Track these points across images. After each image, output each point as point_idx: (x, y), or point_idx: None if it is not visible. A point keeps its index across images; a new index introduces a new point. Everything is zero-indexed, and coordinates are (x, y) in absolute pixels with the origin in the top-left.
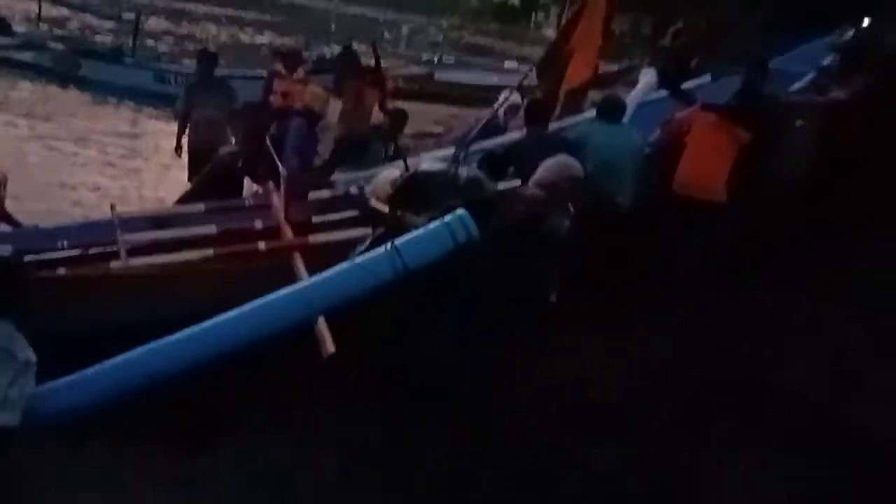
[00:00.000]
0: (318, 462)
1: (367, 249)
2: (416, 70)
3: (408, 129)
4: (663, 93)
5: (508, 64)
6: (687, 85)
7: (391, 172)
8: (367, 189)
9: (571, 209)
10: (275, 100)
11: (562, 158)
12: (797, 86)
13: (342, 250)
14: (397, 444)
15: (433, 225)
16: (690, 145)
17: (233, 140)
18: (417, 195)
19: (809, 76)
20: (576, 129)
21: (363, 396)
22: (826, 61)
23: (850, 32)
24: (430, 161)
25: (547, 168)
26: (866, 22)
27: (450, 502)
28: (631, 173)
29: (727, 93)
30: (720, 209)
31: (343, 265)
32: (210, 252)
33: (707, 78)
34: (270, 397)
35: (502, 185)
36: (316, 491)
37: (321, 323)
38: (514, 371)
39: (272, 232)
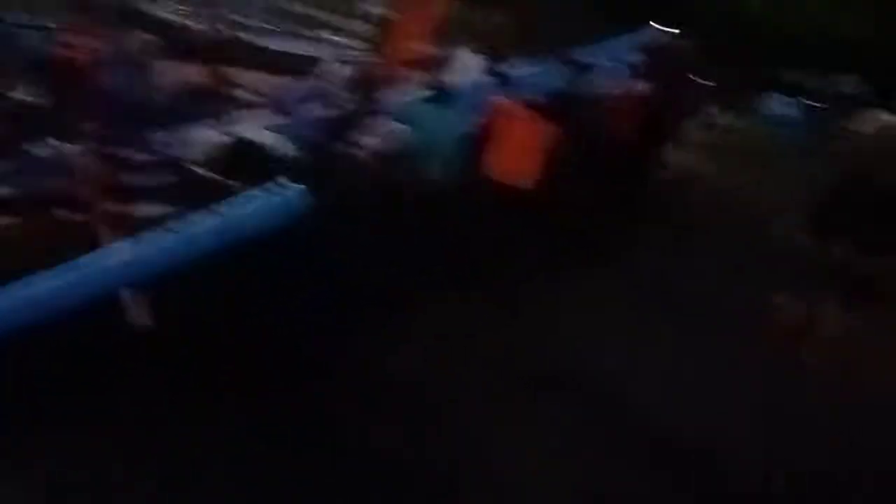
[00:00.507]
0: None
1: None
2: (226, 34)
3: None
4: (485, 79)
5: (326, 34)
6: (507, 73)
7: (210, 135)
8: (185, 152)
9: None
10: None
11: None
12: (606, 81)
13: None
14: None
15: (263, 196)
16: (502, 133)
17: None
18: (247, 163)
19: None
20: (402, 107)
21: (180, 376)
22: (633, 58)
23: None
24: (255, 129)
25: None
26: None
27: (255, 481)
28: (449, 154)
29: (543, 83)
30: (526, 195)
31: (163, 234)
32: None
33: (526, 68)
34: (78, 374)
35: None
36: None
37: (136, 295)
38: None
39: (82, 196)
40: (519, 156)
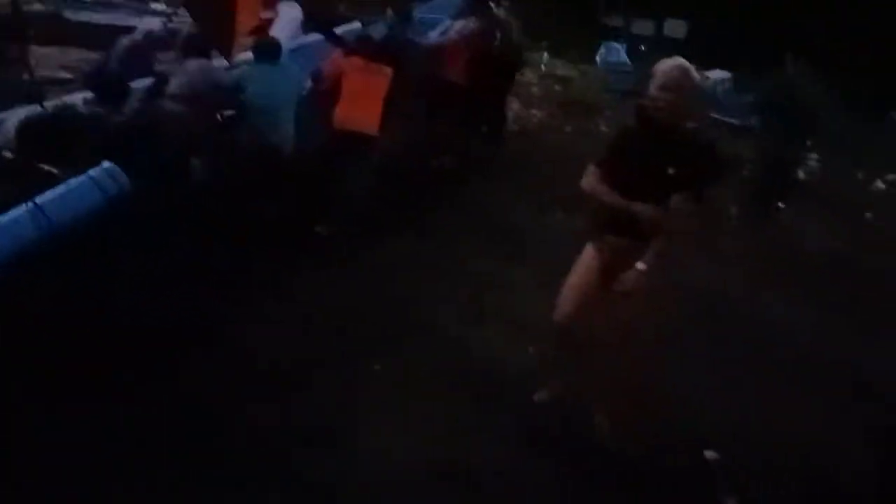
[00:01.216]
0: None
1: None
2: (39, 7)
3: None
4: (317, 36)
5: (155, 5)
6: (338, 30)
7: (22, 117)
8: None
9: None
10: None
11: (202, 63)
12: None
13: None
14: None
15: (78, 178)
16: (345, 85)
17: None
18: (53, 139)
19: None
20: (234, 73)
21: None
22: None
23: None
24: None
25: (185, 75)
26: None
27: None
28: (291, 114)
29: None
30: (374, 141)
31: None
32: None
33: (356, 24)
34: None
35: None
36: None
37: None
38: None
39: None
40: (361, 104)
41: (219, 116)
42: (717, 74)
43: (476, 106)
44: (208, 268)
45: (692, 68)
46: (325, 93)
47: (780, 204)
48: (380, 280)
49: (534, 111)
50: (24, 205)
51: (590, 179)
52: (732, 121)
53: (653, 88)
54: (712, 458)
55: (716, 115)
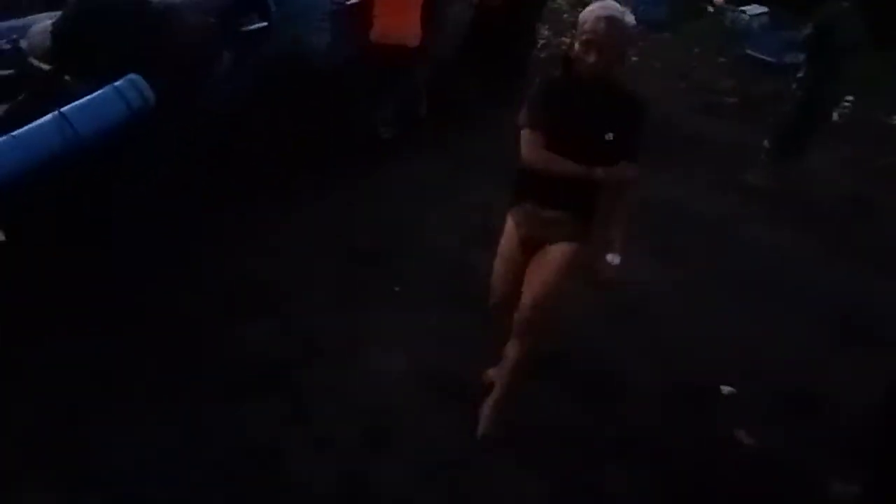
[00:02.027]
0: None
1: (19, 114)
2: None
3: None
4: None
5: None
6: None
7: (49, 23)
8: (23, 43)
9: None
10: None
11: None
12: None
13: None
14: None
15: (103, 89)
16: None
17: None
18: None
19: None
20: None
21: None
22: None
23: None
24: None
25: None
26: None
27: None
28: (323, 22)
29: None
30: (414, 54)
31: (1, 138)
32: None
33: None
34: None
35: None
36: None
37: None
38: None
39: None
40: (399, 14)
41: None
42: (752, 9)
43: (505, 29)
44: (227, 181)
45: (622, 14)
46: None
47: (807, 143)
48: (385, 200)
49: (564, 38)
50: (50, 114)
51: (535, 148)
52: (767, 58)
53: (577, 42)
54: (729, 392)
55: (750, 52)
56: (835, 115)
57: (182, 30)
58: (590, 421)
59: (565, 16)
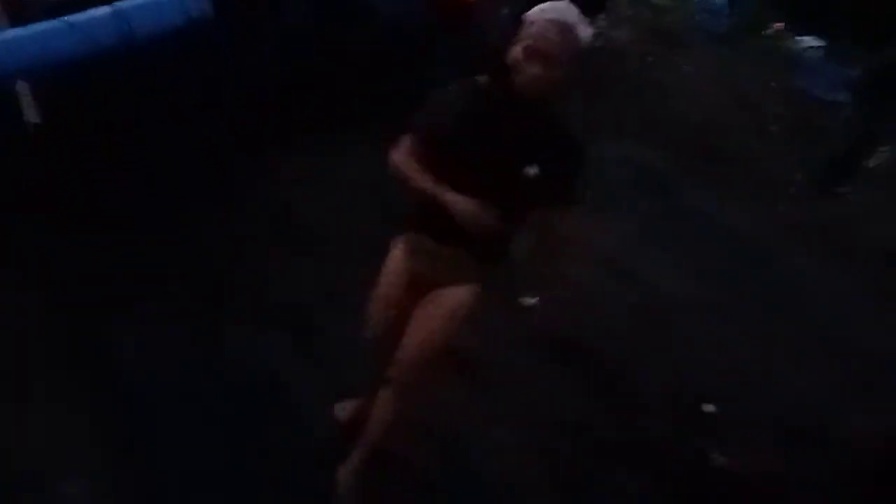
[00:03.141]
0: None
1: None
2: None
3: None
4: None
5: None
6: None
7: None
8: None
9: None
10: None
11: None
12: None
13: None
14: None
15: None
16: None
17: None
18: None
19: None
20: None
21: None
22: None
23: None
24: None
25: None
26: None
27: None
28: None
29: None
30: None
31: (53, 22)
32: None
33: None
34: None
35: None
36: None
37: (23, 87)
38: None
39: None
40: None
41: None
42: (810, 40)
43: None
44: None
45: (579, 22)
46: None
47: (847, 182)
48: None
49: (618, 32)
50: (107, 6)
51: (400, 151)
52: (819, 91)
53: (519, 46)
54: (711, 411)
55: (802, 83)
56: (878, 157)
57: None
58: (599, 421)
59: (624, 11)
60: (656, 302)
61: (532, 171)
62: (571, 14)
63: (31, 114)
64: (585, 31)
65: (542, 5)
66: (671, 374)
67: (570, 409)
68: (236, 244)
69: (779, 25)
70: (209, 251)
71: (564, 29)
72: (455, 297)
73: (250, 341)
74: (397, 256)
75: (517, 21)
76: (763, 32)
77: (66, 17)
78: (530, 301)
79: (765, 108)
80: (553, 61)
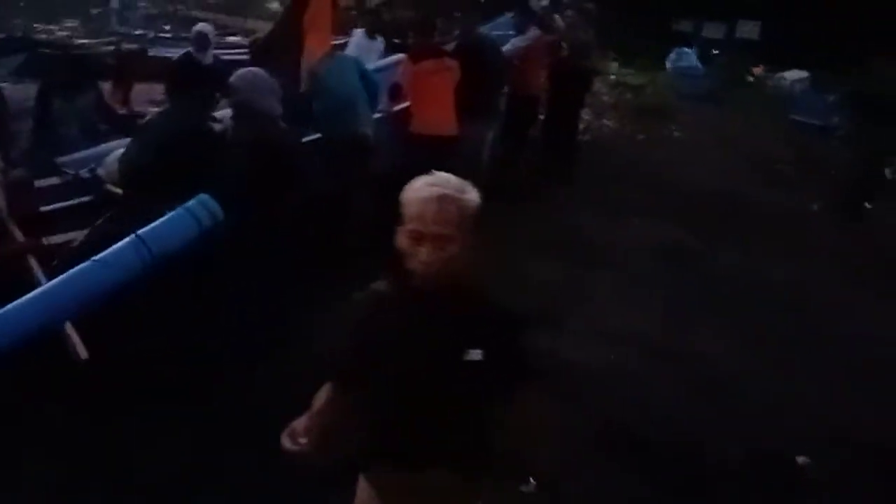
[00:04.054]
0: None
1: (97, 237)
2: (127, 47)
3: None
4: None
5: (231, 38)
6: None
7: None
8: (100, 171)
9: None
10: None
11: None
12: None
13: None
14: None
15: (175, 211)
16: (417, 89)
17: None
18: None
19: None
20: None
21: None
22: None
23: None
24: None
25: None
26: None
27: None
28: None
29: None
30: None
31: (85, 264)
32: None
33: None
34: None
35: None
36: None
37: (69, 329)
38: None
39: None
40: (434, 104)
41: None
42: (793, 74)
43: (549, 116)
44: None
45: (459, 187)
46: (403, 95)
47: (867, 203)
48: None
49: (605, 121)
50: (127, 237)
51: (319, 403)
52: (813, 121)
53: (402, 234)
54: (805, 463)
55: (795, 117)
56: (889, 174)
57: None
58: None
59: (604, 98)
60: (708, 370)
61: (474, 355)
62: (447, 182)
63: (78, 352)
64: (470, 193)
65: (414, 183)
66: (747, 440)
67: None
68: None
69: (758, 69)
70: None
71: (444, 201)
72: None
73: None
74: (367, 499)
75: None
76: (744, 79)
77: (94, 258)
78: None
79: (766, 152)
80: (441, 240)
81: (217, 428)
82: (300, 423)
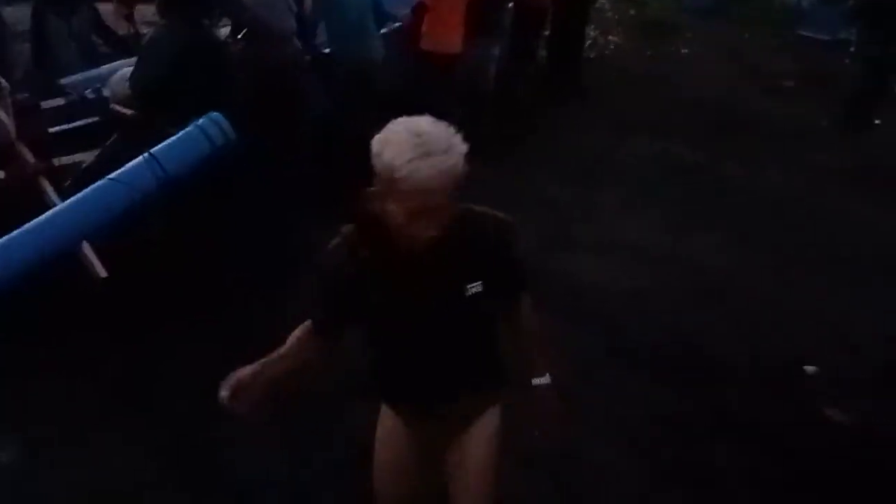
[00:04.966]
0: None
1: (109, 156)
2: None
3: None
4: None
5: None
6: None
7: (129, 70)
8: (105, 91)
9: None
10: None
11: None
12: None
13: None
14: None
15: (187, 129)
16: (435, 9)
17: None
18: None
19: None
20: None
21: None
22: None
23: None
24: None
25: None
26: None
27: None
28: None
29: None
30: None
31: (100, 183)
32: None
33: None
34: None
35: None
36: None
37: (86, 248)
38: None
39: (5, 153)
40: (444, 22)
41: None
42: None
43: (553, 31)
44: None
45: (446, 143)
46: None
47: (876, 120)
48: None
49: (611, 37)
50: (141, 157)
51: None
52: (822, 36)
53: (395, 206)
54: (813, 371)
55: (803, 32)
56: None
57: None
58: (686, 406)
59: (608, 14)
60: (714, 279)
61: (475, 287)
62: (431, 137)
63: (96, 270)
64: (456, 146)
65: (394, 139)
66: (752, 345)
67: (657, 406)
68: None
69: None
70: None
71: (444, 174)
72: (483, 443)
73: (340, 418)
74: (392, 427)
75: None
76: None
77: (109, 176)
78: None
79: (773, 68)
80: (440, 208)
81: (232, 346)
82: (245, 372)
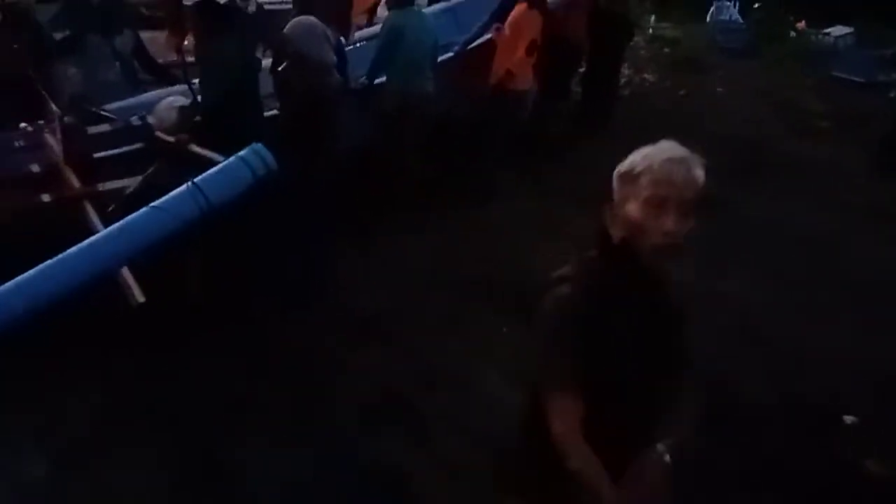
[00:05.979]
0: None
1: (152, 183)
2: None
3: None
4: None
5: None
6: None
7: (174, 99)
8: (150, 119)
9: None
10: None
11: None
12: None
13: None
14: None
15: (230, 159)
16: (511, 40)
17: None
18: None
19: None
20: (386, 29)
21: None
22: None
23: None
24: None
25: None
26: None
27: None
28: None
29: None
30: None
31: (144, 209)
32: None
33: None
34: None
35: None
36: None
37: (125, 273)
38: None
39: (51, 176)
40: (523, 60)
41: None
42: (837, 30)
43: (588, 70)
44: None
45: (696, 160)
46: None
47: None
48: (492, 239)
49: (645, 75)
50: (184, 185)
51: (571, 433)
52: (856, 78)
53: (634, 202)
54: (852, 422)
55: (838, 74)
56: None
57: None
58: (721, 454)
59: (643, 52)
60: (747, 319)
61: (683, 340)
62: (683, 150)
63: (135, 295)
64: (699, 164)
65: (646, 149)
66: (787, 389)
67: (691, 452)
68: (322, 348)
69: (801, 24)
70: (302, 362)
71: (688, 167)
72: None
73: (359, 439)
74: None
75: None
76: (787, 34)
77: (153, 204)
78: None
79: (809, 107)
80: (688, 206)
81: (255, 362)
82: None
